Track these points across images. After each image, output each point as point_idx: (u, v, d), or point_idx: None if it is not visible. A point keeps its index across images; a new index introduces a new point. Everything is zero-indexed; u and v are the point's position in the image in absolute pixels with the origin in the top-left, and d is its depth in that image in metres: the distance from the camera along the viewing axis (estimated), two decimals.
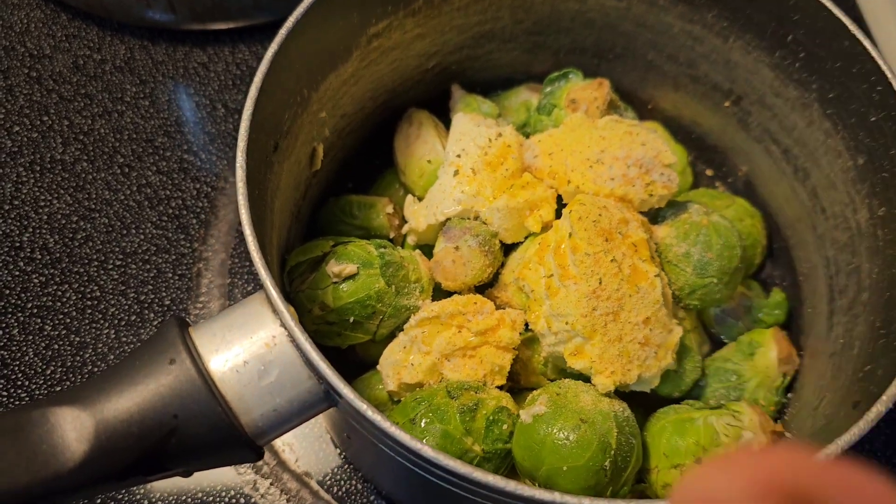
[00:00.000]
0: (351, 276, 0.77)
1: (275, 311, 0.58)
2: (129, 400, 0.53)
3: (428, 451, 0.53)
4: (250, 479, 0.83)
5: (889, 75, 0.70)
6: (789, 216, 0.88)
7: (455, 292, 0.81)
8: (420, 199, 0.86)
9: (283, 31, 0.68)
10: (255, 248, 0.58)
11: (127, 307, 0.91)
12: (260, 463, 0.84)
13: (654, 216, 0.83)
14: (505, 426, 0.72)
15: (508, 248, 0.83)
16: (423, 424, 0.71)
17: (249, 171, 0.62)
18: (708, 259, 0.78)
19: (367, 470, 0.82)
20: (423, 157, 0.88)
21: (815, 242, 0.84)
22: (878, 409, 0.57)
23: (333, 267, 0.77)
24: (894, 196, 0.71)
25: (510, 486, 0.53)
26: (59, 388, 0.86)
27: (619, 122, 0.82)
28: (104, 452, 0.53)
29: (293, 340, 0.57)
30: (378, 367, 0.78)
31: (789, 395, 0.82)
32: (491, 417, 0.72)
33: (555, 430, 0.69)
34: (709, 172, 0.98)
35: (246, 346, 0.57)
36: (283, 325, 0.57)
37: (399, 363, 0.77)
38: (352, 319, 0.77)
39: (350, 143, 0.90)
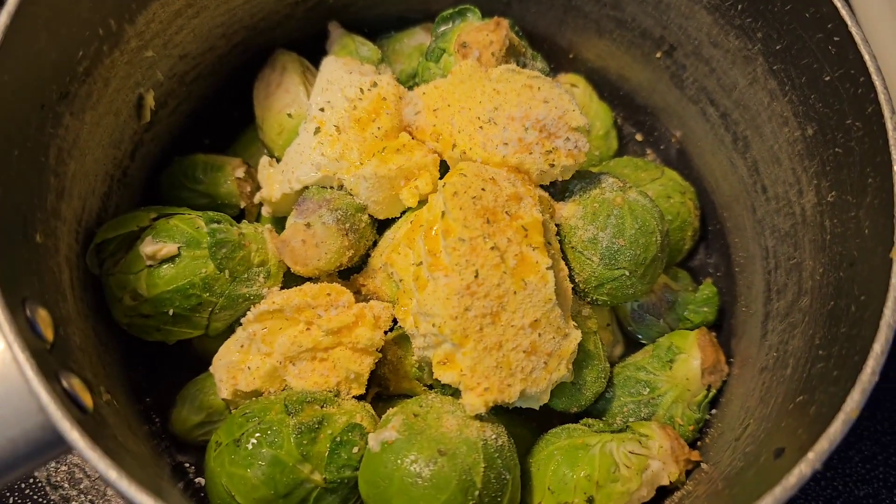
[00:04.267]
0: (171, 259, 0.62)
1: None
2: None
3: None
4: (66, 494, 0.69)
5: (848, 21, 0.55)
6: (727, 194, 0.74)
7: (309, 279, 0.66)
8: (278, 160, 0.71)
9: None
10: None
11: None
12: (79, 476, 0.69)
13: (561, 191, 0.68)
14: (356, 449, 0.59)
15: (383, 227, 0.68)
16: (249, 447, 0.57)
17: None
18: (619, 247, 0.63)
19: None
20: (284, 110, 0.73)
21: (753, 228, 0.70)
22: (802, 470, 0.42)
23: (148, 246, 0.61)
24: (849, 178, 0.57)
25: None
26: None
27: (518, 74, 0.67)
28: None
29: (17, 362, 0.41)
30: (211, 369, 0.64)
31: (713, 411, 0.68)
32: (338, 438, 0.59)
33: (406, 463, 0.55)
34: (638, 137, 0.83)
35: None
36: (6, 341, 0.41)
37: (234, 365, 0.63)
38: (172, 312, 0.62)
39: (200, 91, 0.75)
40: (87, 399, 0.45)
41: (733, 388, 0.68)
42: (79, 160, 0.59)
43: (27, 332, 0.43)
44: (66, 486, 0.71)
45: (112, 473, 0.39)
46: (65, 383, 0.44)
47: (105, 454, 0.40)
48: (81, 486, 0.71)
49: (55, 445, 0.44)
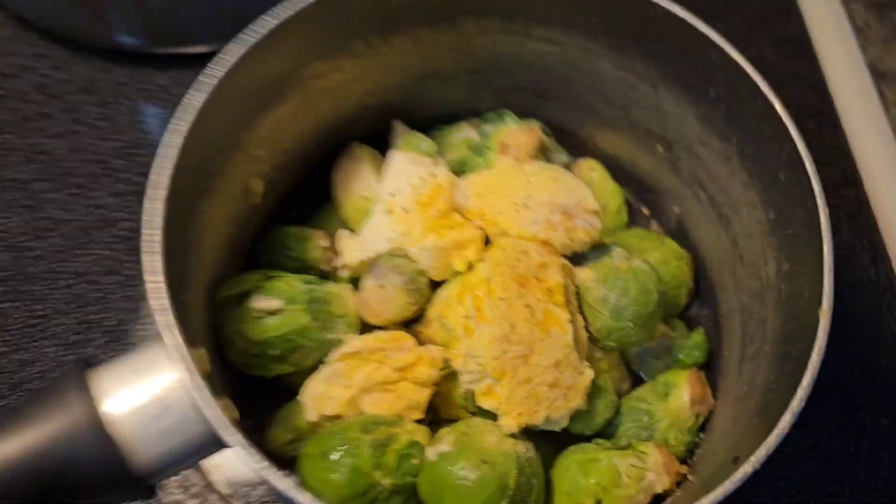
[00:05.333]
0: (276, 312, 0.80)
1: (178, 356, 0.60)
2: (21, 441, 0.57)
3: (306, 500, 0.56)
4: (177, 499, 0.86)
5: (796, 138, 0.73)
6: (715, 259, 0.91)
7: (380, 327, 0.83)
8: (354, 233, 0.89)
9: (208, 85, 0.70)
10: (156, 298, 0.61)
11: (72, 327, 0.94)
12: (188, 483, 0.87)
13: (580, 259, 0.85)
14: (416, 461, 0.75)
15: (437, 285, 0.86)
16: (334, 458, 0.74)
17: (169, 218, 0.65)
18: (624, 304, 0.81)
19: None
20: (360, 194, 0.91)
21: (734, 287, 0.87)
22: (746, 469, 0.60)
23: (259, 302, 0.80)
24: (797, 253, 0.74)
25: None
26: (3, 403, 0.90)
27: (547, 168, 0.85)
28: None
29: (189, 386, 0.60)
30: (299, 397, 0.81)
31: (702, 435, 0.84)
32: (402, 452, 0.75)
33: (456, 469, 0.72)
34: (645, 211, 1.00)
35: (143, 389, 0.60)
36: (181, 369, 0.60)
37: (320, 395, 0.80)
38: (275, 353, 0.80)
39: (293, 176, 0.93)
40: (232, 414, 0.62)
41: (717, 417, 0.84)
42: (209, 237, 0.78)
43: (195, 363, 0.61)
44: (178, 492, 0.89)
45: (262, 464, 0.57)
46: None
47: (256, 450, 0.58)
48: (192, 492, 0.89)
49: (212, 445, 0.62)
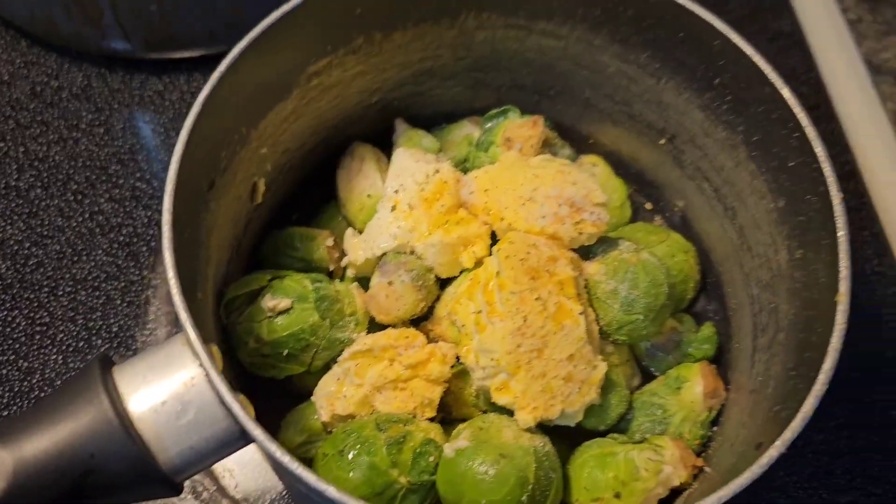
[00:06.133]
0: (285, 311, 0.79)
1: (194, 351, 0.59)
2: (47, 439, 0.55)
3: (332, 491, 0.55)
4: (190, 502, 0.85)
5: (805, 124, 0.73)
6: (720, 253, 0.91)
7: (390, 325, 0.83)
8: (360, 232, 0.89)
9: (214, 77, 0.70)
10: (177, 292, 0.60)
11: (75, 333, 0.93)
12: (200, 489, 0.86)
13: (587, 252, 0.85)
14: (432, 458, 0.74)
15: (444, 283, 0.85)
16: (350, 456, 0.73)
17: (178, 213, 0.64)
18: (634, 296, 0.80)
19: (298, 499, 0.84)
20: (364, 192, 0.90)
21: (742, 280, 0.86)
22: (772, 453, 0.59)
23: (269, 301, 0.79)
24: (811, 239, 0.74)
25: None
26: (6, 413, 0.88)
27: (552, 161, 0.85)
28: (22, 491, 0.55)
29: (210, 381, 0.59)
30: (312, 397, 0.80)
31: (715, 428, 0.84)
32: (418, 450, 0.74)
33: (475, 465, 0.71)
34: (648, 206, 1.00)
35: (165, 386, 0.59)
36: (202, 365, 0.59)
37: (332, 395, 0.79)
38: (286, 352, 0.79)
39: (293, 177, 0.92)
40: (251, 412, 0.61)
41: (730, 409, 0.83)
42: (216, 236, 0.77)
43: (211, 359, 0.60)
44: (190, 497, 0.87)
45: (285, 457, 0.56)
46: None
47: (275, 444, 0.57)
48: (203, 497, 0.87)
49: (235, 442, 0.61)
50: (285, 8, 0.74)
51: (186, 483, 0.84)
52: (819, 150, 0.71)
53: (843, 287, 0.66)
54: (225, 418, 0.59)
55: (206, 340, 0.60)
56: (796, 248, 0.76)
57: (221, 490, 0.86)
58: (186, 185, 0.67)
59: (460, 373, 0.81)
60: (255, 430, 0.56)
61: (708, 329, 0.89)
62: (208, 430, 0.59)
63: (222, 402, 0.58)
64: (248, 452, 0.86)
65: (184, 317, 0.59)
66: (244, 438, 0.60)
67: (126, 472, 0.57)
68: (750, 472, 0.58)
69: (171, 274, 0.61)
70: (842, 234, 0.67)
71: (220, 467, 0.87)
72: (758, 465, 0.58)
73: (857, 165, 1.12)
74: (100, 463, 0.56)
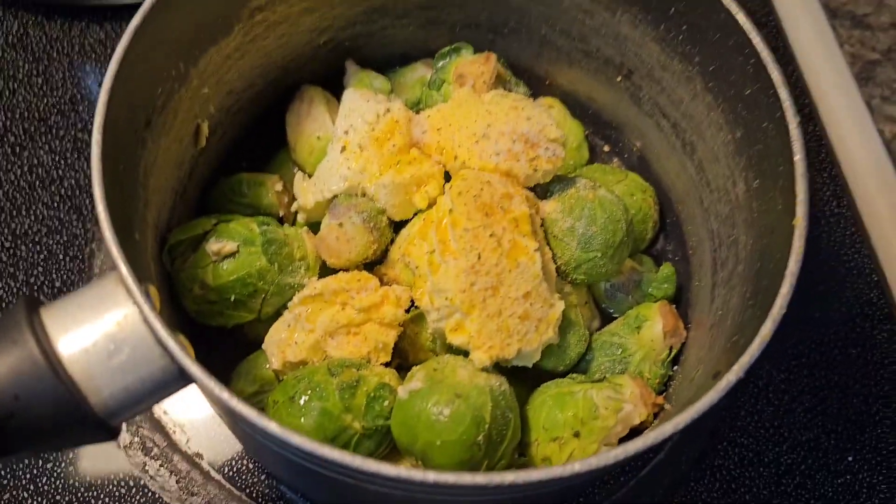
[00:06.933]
0: (231, 255, 0.76)
1: (128, 289, 0.57)
2: None
3: (274, 428, 0.53)
4: (140, 461, 0.82)
5: (760, 49, 0.71)
6: (680, 191, 0.89)
7: (342, 269, 0.80)
8: (310, 176, 0.86)
9: (146, 5, 0.66)
10: (107, 226, 0.57)
11: (16, 290, 0.89)
12: (150, 445, 0.83)
13: (544, 192, 0.83)
14: (386, 403, 0.72)
15: (398, 226, 0.83)
16: (301, 402, 0.71)
17: (109, 147, 0.61)
18: (592, 233, 0.78)
19: (251, 451, 0.82)
20: (313, 134, 0.87)
21: (701, 216, 0.85)
22: (729, 378, 0.57)
23: (213, 245, 0.76)
24: (767, 168, 0.72)
25: (357, 461, 0.53)
26: None
27: (506, 97, 0.82)
28: None
29: (145, 319, 0.56)
30: (263, 345, 0.78)
31: (675, 367, 0.83)
32: (372, 394, 0.72)
33: (429, 406, 0.69)
34: (605, 148, 0.98)
35: (98, 326, 0.56)
36: (136, 303, 0.56)
37: (283, 342, 0.77)
38: (233, 298, 0.76)
39: (241, 122, 0.89)
40: (191, 353, 0.58)
41: (690, 348, 0.82)
42: (156, 177, 0.74)
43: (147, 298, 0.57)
44: (139, 454, 0.85)
45: (224, 394, 0.54)
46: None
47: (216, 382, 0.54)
48: (153, 453, 0.85)
49: (173, 382, 0.58)
50: None
51: (135, 440, 0.82)
52: (775, 74, 0.69)
53: (801, 210, 0.64)
54: (161, 357, 0.56)
55: (142, 280, 0.57)
56: (754, 178, 0.74)
57: (173, 446, 0.83)
58: (118, 120, 0.64)
59: (417, 318, 0.79)
60: (192, 367, 0.54)
61: (667, 268, 0.87)
62: (144, 371, 0.56)
63: (158, 342, 0.56)
64: (200, 408, 0.85)
65: (115, 252, 0.56)
66: (183, 379, 0.57)
67: (54, 415, 0.54)
68: (707, 397, 0.56)
69: (100, 207, 0.57)
70: (798, 157, 0.66)
71: (170, 423, 0.84)
72: (715, 390, 0.57)
73: (816, 108, 1.11)
74: (24, 405, 0.53)
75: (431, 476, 0.52)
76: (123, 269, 0.56)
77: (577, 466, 0.53)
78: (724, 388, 0.57)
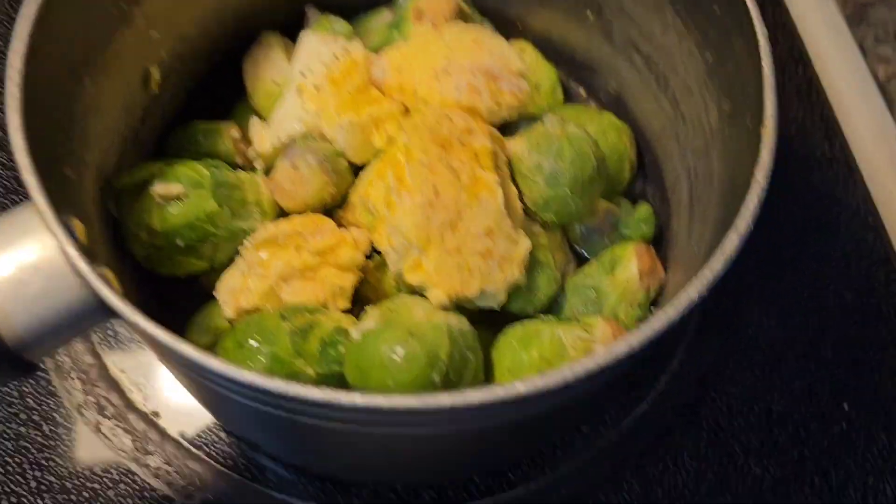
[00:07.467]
0: (179, 198, 0.73)
1: (44, 219, 0.53)
2: None
3: (189, 350, 0.49)
4: (93, 419, 0.79)
5: None
6: (656, 129, 0.85)
7: (298, 213, 0.77)
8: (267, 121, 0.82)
9: None
10: (22, 148, 0.54)
11: None
12: (104, 404, 0.80)
13: (513, 132, 0.79)
14: (342, 348, 0.69)
15: (359, 171, 0.80)
16: (250, 347, 0.67)
17: (30, 70, 0.58)
18: (559, 168, 0.74)
19: (205, 404, 0.79)
20: (271, 79, 0.84)
21: (678, 152, 0.81)
22: (690, 293, 0.54)
23: (158, 187, 0.72)
24: (738, 90, 0.68)
25: (291, 388, 0.49)
26: None
27: (467, 31, 0.79)
28: None
29: (62, 249, 0.52)
30: (214, 293, 0.75)
31: (655, 309, 0.78)
32: (326, 339, 0.69)
33: (382, 346, 0.65)
34: (581, 92, 0.94)
35: (11, 256, 0.53)
36: (52, 232, 0.53)
37: (236, 289, 0.74)
38: (182, 244, 0.73)
39: (198, 70, 0.86)
40: (116, 288, 0.55)
41: (670, 288, 0.78)
42: (99, 118, 0.70)
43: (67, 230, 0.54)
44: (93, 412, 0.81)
45: (149, 325, 0.50)
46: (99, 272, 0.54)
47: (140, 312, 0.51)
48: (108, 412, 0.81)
49: (94, 315, 0.55)
50: None
51: (89, 399, 0.79)
52: None
53: (769, 110, 0.60)
54: (80, 288, 0.53)
55: (64, 211, 0.54)
56: (725, 100, 0.70)
57: (129, 404, 0.80)
58: (45, 50, 0.60)
59: (380, 265, 0.76)
60: (112, 297, 0.50)
61: (644, 208, 0.83)
62: (60, 301, 0.53)
63: (76, 272, 0.52)
64: (160, 367, 0.81)
65: (27, 177, 0.53)
66: (103, 311, 0.54)
67: None
68: (664, 313, 0.52)
69: (12, 127, 0.54)
70: (766, 66, 0.62)
71: (126, 381, 0.81)
72: (672, 306, 0.53)
73: (806, 49, 1.06)
74: None
75: (359, 398, 0.48)
76: (37, 195, 0.53)
77: (520, 387, 0.49)
78: (683, 304, 0.53)
